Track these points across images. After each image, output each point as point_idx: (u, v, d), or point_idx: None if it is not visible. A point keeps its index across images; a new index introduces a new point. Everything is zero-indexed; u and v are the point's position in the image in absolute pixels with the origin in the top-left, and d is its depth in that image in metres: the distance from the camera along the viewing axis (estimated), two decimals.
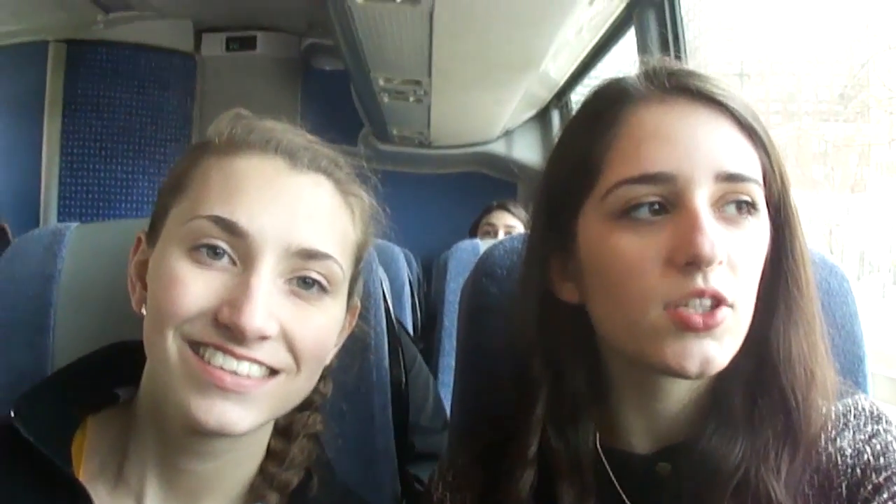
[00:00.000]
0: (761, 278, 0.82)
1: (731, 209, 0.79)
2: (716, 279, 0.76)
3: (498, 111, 3.66)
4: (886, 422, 0.83)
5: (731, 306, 0.77)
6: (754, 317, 0.81)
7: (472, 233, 3.54)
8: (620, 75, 0.88)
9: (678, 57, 2.53)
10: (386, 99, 3.35)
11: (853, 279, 1.07)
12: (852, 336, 1.03)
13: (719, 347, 0.77)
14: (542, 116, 4.22)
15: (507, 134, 4.30)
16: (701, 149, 0.79)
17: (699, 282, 0.75)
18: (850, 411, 0.84)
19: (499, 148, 4.35)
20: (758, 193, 0.80)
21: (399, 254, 2.47)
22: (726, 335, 0.78)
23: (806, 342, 0.83)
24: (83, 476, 0.83)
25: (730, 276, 0.77)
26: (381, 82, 3.11)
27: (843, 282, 1.04)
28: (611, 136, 0.83)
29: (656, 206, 0.79)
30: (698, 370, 0.77)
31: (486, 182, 4.61)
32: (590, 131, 0.85)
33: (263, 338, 0.77)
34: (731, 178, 0.78)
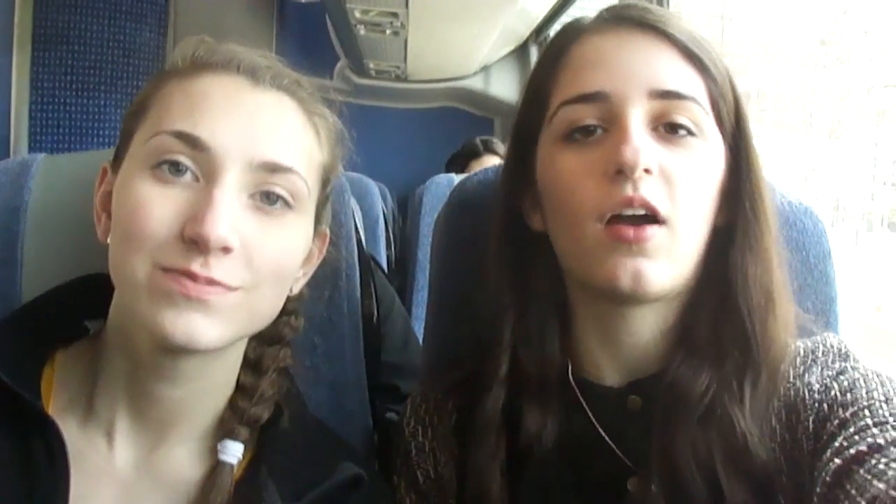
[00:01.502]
0: (721, 206, 0.84)
1: (670, 129, 0.82)
2: (646, 188, 0.78)
3: (476, 46, 3.62)
4: (854, 359, 0.85)
5: (665, 223, 0.79)
6: (714, 244, 0.84)
7: (449, 168, 3.51)
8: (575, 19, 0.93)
9: None
10: (362, 31, 3.30)
11: (827, 225, 1.08)
12: (825, 276, 1.05)
13: (652, 265, 0.79)
14: (520, 52, 4.17)
15: (485, 69, 4.26)
16: (636, 68, 0.83)
17: (628, 190, 0.78)
18: (819, 348, 0.86)
19: (476, 83, 4.31)
20: (699, 114, 0.82)
21: (373, 187, 2.45)
22: (660, 254, 0.80)
23: (762, 267, 0.85)
24: (52, 410, 0.82)
25: (662, 189, 0.79)
26: (358, 14, 3.06)
27: (817, 223, 1.05)
28: (558, 67, 0.88)
29: (594, 128, 0.82)
30: (630, 286, 0.79)
31: (463, 117, 4.59)
32: (543, 67, 0.91)
33: (226, 249, 0.76)
34: (667, 94, 0.81)
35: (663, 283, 0.80)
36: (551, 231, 0.89)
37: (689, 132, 0.82)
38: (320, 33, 4.13)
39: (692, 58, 0.84)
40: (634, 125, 0.80)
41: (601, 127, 0.82)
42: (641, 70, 0.82)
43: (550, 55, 0.90)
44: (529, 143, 0.90)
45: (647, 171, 0.78)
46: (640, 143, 0.78)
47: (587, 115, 0.83)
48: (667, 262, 0.80)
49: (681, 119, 0.81)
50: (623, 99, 0.81)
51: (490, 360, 0.92)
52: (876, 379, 0.79)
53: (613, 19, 0.87)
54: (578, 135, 0.83)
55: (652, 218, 0.78)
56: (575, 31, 0.90)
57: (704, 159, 0.83)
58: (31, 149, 4.16)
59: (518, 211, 0.94)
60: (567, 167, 0.83)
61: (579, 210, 0.81)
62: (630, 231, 0.78)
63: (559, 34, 0.92)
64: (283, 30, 4.46)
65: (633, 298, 0.81)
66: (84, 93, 4.28)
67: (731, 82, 0.86)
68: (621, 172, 0.78)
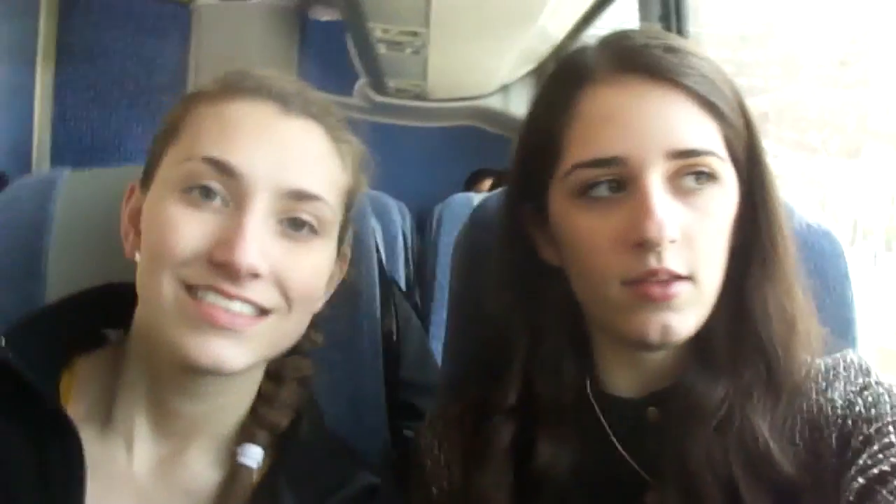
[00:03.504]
0: (737, 235, 0.83)
1: (689, 181, 0.80)
2: (670, 258, 0.77)
3: (495, 65, 3.64)
4: (876, 375, 0.84)
5: (691, 278, 0.79)
6: (731, 272, 0.83)
7: (469, 185, 3.52)
8: (582, 48, 0.89)
9: (678, 16, 2.52)
10: (383, 50, 3.34)
11: (846, 244, 1.07)
12: (843, 298, 1.04)
13: (680, 318, 0.79)
14: (540, 71, 4.17)
15: (505, 88, 4.28)
16: (652, 130, 0.80)
17: (652, 262, 0.77)
18: (840, 364, 0.85)
19: (495, 102, 4.33)
20: (716, 164, 0.81)
21: (392, 205, 2.46)
22: (687, 307, 0.79)
23: (786, 296, 0.84)
24: (71, 417, 0.82)
25: (686, 252, 0.78)
26: (379, 33, 3.10)
27: (835, 245, 1.05)
28: (568, 117, 0.84)
29: (613, 185, 0.81)
30: (659, 339, 0.79)
31: (482, 136, 4.59)
32: (551, 110, 0.87)
33: (255, 276, 0.78)
34: (684, 154, 0.79)
35: (690, 330, 0.80)
36: (571, 276, 0.88)
37: (708, 180, 0.80)
38: (341, 51, 4.16)
39: (708, 105, 0.81)
40: (656, 192, 0.78)
41: (620, 184, 0.81)
42: (658, 130, 0.79)
43: (558, 102, 0.86)
44: (539, 183, 0.89)
45: (671, 241, 0.77)
46: (664, 214, 0.76)
47: (604, 174, 0.80)
48: (694, 311, 0.80)
49: (699, 170, 0.80)
50: (641, 163, 0.78)
51: (498, 390, 0.92)
52: None
53: (624, 68, 0.83)
54: (593, 192, 0.81)
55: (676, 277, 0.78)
56: (582, 77, 0.85)
57: (722, 206, 0.82)
58: (54, 163, 4.21)
59: (529, 242, 0.93)
60: (584, 228, 0.82)
61: (601, 273, 0.80)
62: (657, 290, 0.77)
63: (564, 75, 0.89)
64: (305, 47, 4.49)
65: (661, 348, 0.82)
66: (106, 108, 4.32)
67: (743, 112, 0.84)
68: (642, 245, 0.77)
